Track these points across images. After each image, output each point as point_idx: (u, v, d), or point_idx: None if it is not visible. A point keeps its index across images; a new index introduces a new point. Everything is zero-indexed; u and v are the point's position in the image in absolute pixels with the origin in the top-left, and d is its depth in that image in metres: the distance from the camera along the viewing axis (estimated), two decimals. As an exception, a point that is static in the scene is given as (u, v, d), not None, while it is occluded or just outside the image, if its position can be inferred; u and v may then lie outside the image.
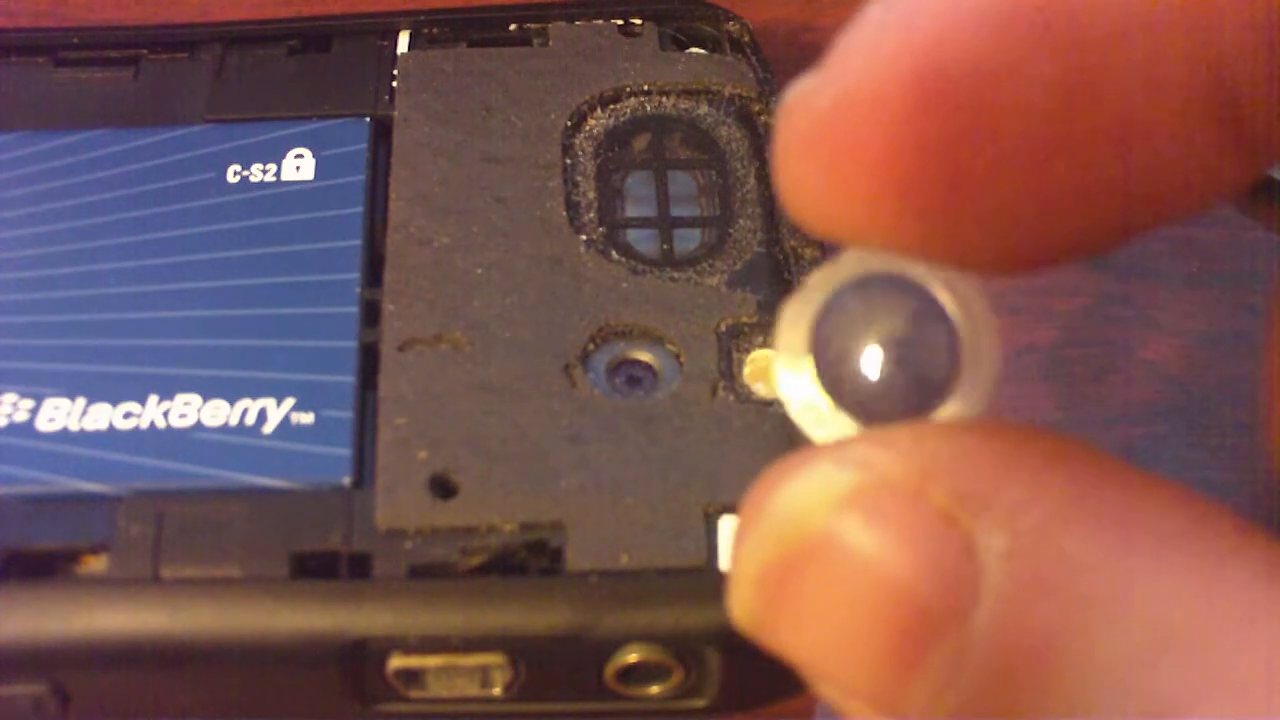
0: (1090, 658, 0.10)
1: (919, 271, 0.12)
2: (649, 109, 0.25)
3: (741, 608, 0.12)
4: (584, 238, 0.23)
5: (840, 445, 0.12)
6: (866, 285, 0.12)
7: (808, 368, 0.12)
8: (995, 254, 0.11)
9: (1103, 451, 0.11)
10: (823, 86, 0.11)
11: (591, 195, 0.24)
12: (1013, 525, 0.11)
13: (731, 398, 0.21)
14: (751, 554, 0.12)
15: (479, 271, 0.23)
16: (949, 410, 0.12)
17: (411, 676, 0.20)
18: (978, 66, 0.10)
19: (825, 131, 0.11)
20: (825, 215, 0.11)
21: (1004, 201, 0.11)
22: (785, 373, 0.12)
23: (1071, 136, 0.10)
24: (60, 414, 0.21)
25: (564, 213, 0.23)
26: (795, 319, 0.12)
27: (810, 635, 0.12)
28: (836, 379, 0.12)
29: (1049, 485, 0.11)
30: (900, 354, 0.12)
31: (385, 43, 0.26)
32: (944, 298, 0.12)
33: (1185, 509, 0.11)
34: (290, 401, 0.21)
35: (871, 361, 0.12)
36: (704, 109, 0.25)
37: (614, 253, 0.23)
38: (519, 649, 0.20)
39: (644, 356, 0.22)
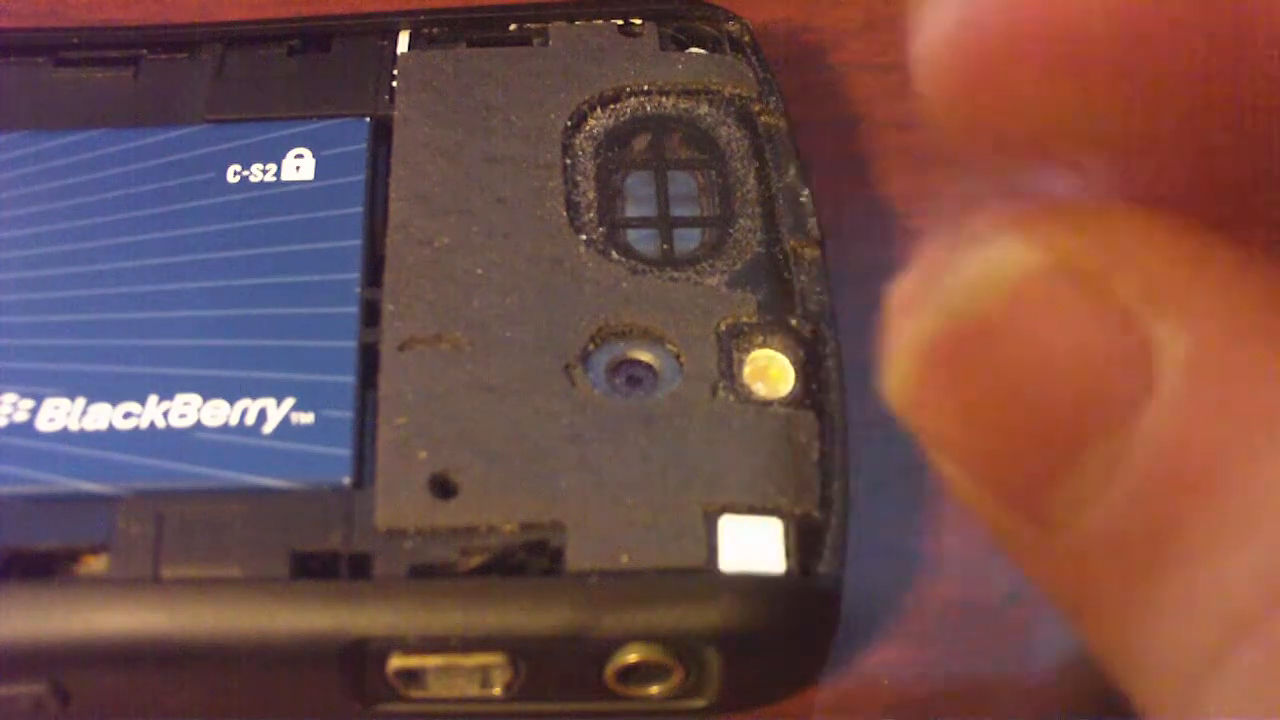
0: (1260, 480, 0.10)
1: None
2: (649, 109, 0.25)
3: (896, 379, 0.11)
4: (584, 238, 0.23)
5: (1031, 220, 0.11)
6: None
7: None
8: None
9: None
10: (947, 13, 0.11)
11: (591, 195, 0.24)
12: (1196, 329, 0.10)
13: (731, 398, 0.21)
14: (921, 322, 0.11)
15: (479, 271, 0.23)
16: None
17: (411, 676, 0.20)
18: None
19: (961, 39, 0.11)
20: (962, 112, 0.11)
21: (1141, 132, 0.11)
22: None
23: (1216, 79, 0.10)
24: (60, 414, 0.21)
25: (564, 213, 0.23)
26: None
27: (964, 418, 0.11)
28: None
29: (1240, 294, 0.10)
30: None
31: (385, 43, 0.26)
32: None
33: None
34: (290, 401, 0.21)
35: None
36: (704, 109, 0.25)
37: (614, 253, 0.23)
38: (519, 649, 0.20)
39: (644, 356, 0.22)
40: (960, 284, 0.11)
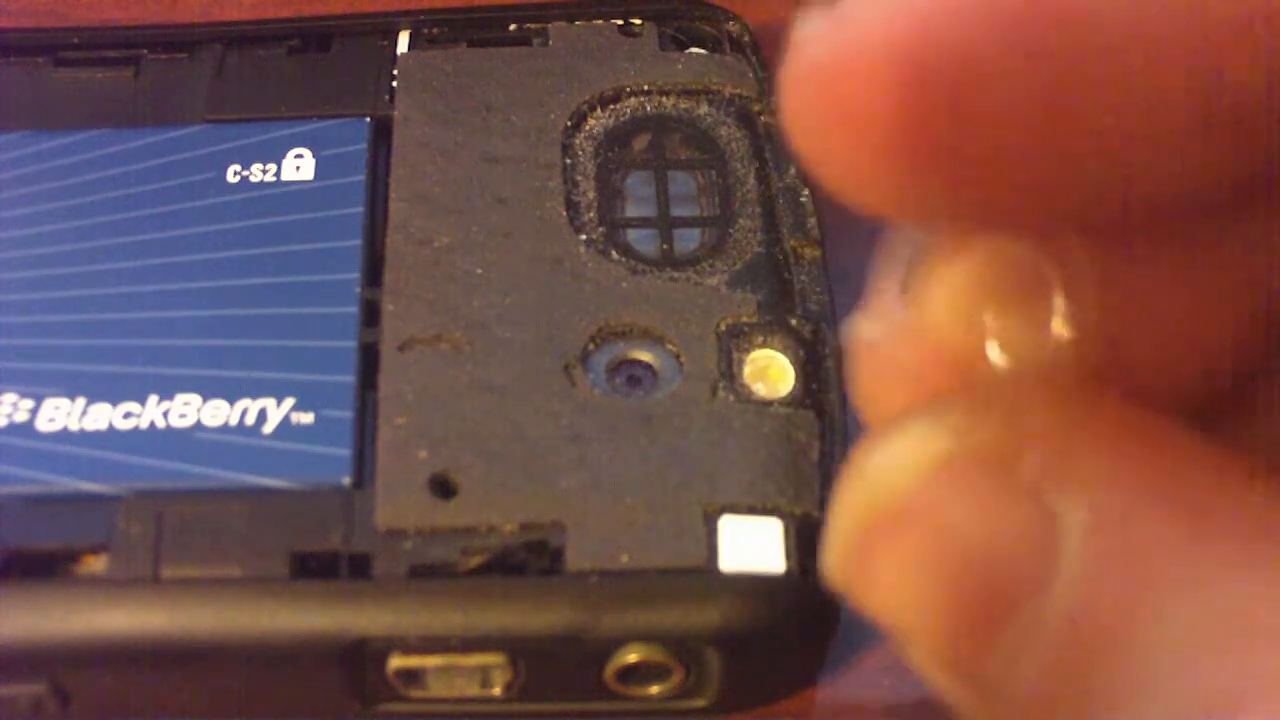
0: (1160, 640, 0.10)
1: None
2: (649, 109, 0.25)
3: (833, 563, 0.12)
4: (584, 238, 0.23)
5: (939, 406, 0.12)
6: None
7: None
8: (989, 220, 0.12)
9: (1202, 435, 0.11)
10: (825, 41, 0.11)
11: (591, 195, 0.24)
12: (1095, 502, 0.11)
13: (731, 398, 0.21)
14: (845, 512, 0.12)
15: (479, 271, 0.23)
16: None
17: (412, 676, 0.20)
18: (966, 61, 0.10)
19: (824, 85, 0.11)
20: (820, 157, 0.12)
21: (990, 180, 0.11)
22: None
23: (1053, 139, 0.11)
24: (60, 414, 0.21)
25: (564, 213, 0.23)
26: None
27: (896, 596, 0.12)
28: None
29: (1139, 463, 0.11)
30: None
31: (385, 43, 0.26)
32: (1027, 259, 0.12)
33: (1267, 499, 0.11)
34: (290, 401, 0.21)
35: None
36: (704, 109, 0.25)
37: (614, 253, 0.23)
38: (519, 649, 0.20)
39: (644, 356, 0.22)
40: (875, 473, 0.12)
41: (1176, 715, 0.10)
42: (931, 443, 0.12)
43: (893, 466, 0.12)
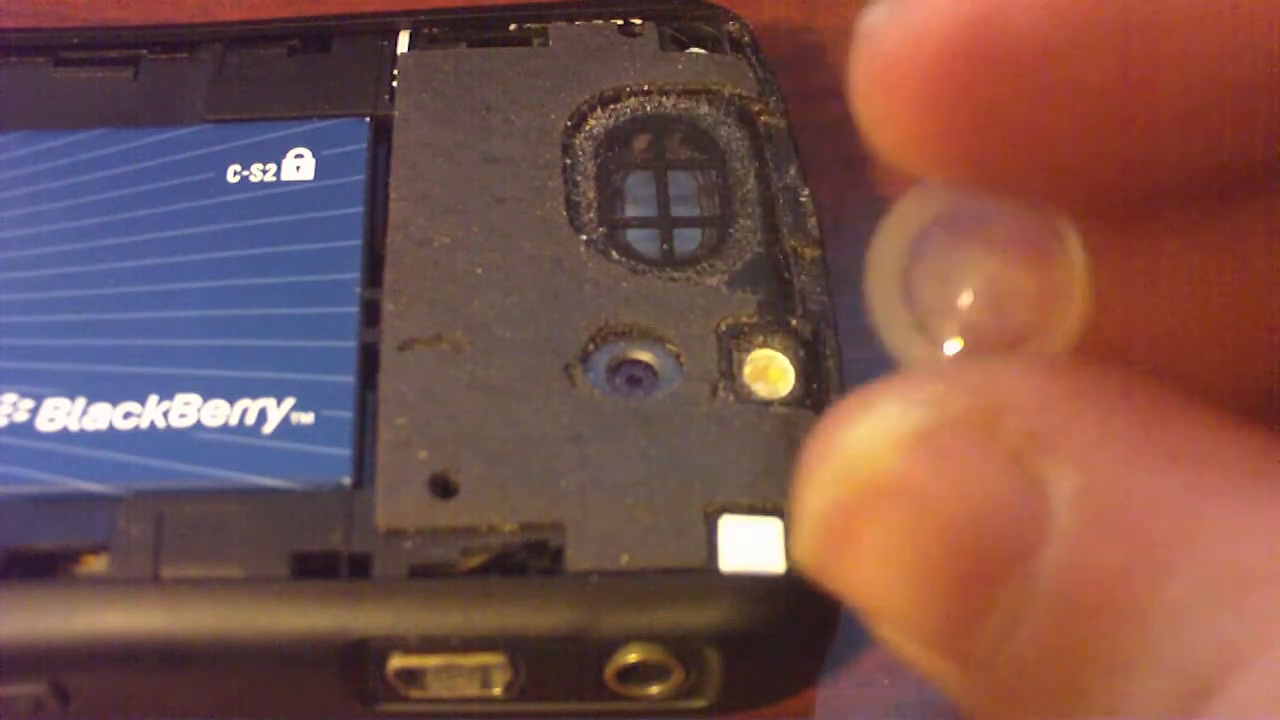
0: (1159, 599, 0.10)
1: (1012, 205, 0.12)
2: (649, 109, 0.25)
3: (806, 548, 0.12)
4: (584, 238, 0.23)
5: (909, 382, 0.12)
6: (959, 214, 0.12)
7: (897, 291, 0.12)
8: (1052, 198, 0.11)
9: (1178, 388, 0.11)
10: (891, 26, 0.11)
11: (591, 195, 0.24)
12: (1083, 464, 0.11)
13: (731, 398, 0.21)
14: (818, 493, 0.12)
15: (479, 271, 0.23)
16: (1035, 344, 0.12)
17: (412, 676, 0.20)
18: (1035, 42, 0.10)
19: (892, 72, 0.11)
20: (894, 147, 0.11)
21: (1055, 159, 0.11)
22: (877, 293, 0.12)
23: (1116, 117, 0.11)
24: (60, 414, 0.21)
25: (564, 213, 0.23)
26: (889, 242, 0.12)
27: (876, 576, 0.11)
28: (927, 306, 0.12)
29: (1121, 422, 0.11)
30: (988, 285, 0.12)
31: (385, 43, 0.26)
32: (1037, 231, 0.12)
33: (1262, 448, 0.11)
34: (290, 401, 0.21)
35: (960, 291, 0.12)
36: (704, 109, 0.25)
37: (614, 253, 0.23)
38: (519, 649, 0.20)
39: (644, 356, 0.22)
40: (848, 451, 0.11)
41: (1176, 675, 0.10)
42: (908, 415, 0.11)
43: (868, 442, 0.11)
